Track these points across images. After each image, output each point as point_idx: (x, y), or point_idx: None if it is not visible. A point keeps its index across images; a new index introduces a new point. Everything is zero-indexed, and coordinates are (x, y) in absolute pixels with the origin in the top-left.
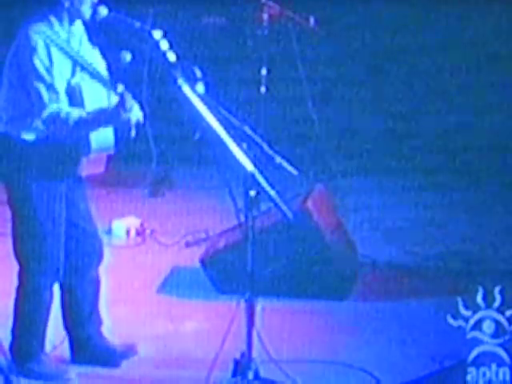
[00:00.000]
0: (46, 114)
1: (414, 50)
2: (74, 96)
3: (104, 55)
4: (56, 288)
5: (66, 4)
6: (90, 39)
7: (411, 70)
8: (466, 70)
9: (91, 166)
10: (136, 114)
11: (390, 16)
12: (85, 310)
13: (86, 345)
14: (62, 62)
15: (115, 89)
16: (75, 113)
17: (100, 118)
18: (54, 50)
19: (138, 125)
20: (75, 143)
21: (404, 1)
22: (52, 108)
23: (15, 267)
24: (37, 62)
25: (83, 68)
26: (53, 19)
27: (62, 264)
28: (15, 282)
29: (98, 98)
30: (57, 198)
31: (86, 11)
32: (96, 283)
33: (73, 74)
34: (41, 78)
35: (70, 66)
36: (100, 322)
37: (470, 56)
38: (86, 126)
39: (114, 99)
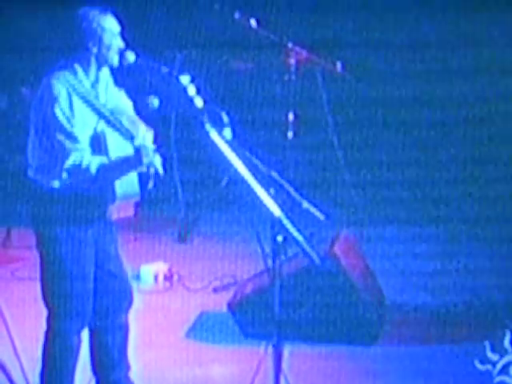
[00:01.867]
0: (68, 163)
1: (443, 95)
2: (98, 144)
3: (132, 100)
4: (85, 332)
5: (94, 50)
6: (117, 84)
7: (442, 116)
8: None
9: (120, 211)
10: (156, 164)
11: (416, 61)
12: (113, 355)
13: None
14: (85, 110)
15: (132, 139)
16: (97, 161)
17: (122, 166)
18: (76, 99)
19: (159, 178)
20: (101, 192)
21: (429, 47)
22: (74, 157)
23: (44, 311)
24: (58, 112)
25: (107, 116)
26: (77, 67)
27: (90, 309)
28: (44, 327)
29: (122, 145)
30: (85, 243)
31: (114, 57)
32: (125, 328)
33: (98, 122)
34: (62, 128)
35: (93, 114)
36: (128, 367)
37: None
38: (108, 175)
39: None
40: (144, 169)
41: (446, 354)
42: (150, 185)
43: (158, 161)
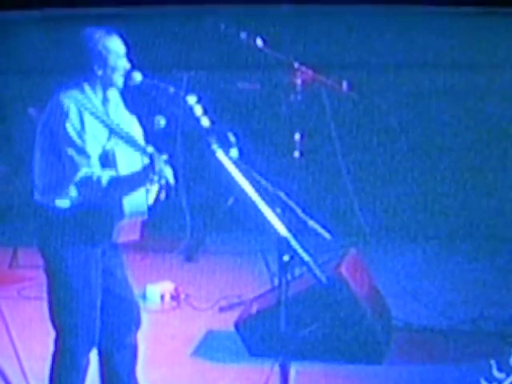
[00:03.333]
0: (78, 177)
1: (448, 114)
2: (108, 160)
3: (139, 120)
4: (93, 354)
5: (99, 72)
6: (126, 104)
7: (448, 137)
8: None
9: (126, 233)
10: (167, 175)
11: (421, 81)
12: (122, 375)
13: None
14: (95, 126)
15: (145, 150)
16: (106, 175)
17: (131, 180)
18: (86, 115)
19: (170, 189)
20: (109, 209)
21: (433, 67)
22: (84, 172)
23: (51, 331)
24: (68, 127)
25: (117, 133)
26: (85, 85)
27: (98, 330)
28: (51, 348)
29: (131, 162)
30: (92, 265)
31: (119, 79)
32: (134, 348)
33: (107, 138)
34: (72, 143)
35: (103, 130)
36: None
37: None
38: (117, 189)
39: (147, 162)
40: (156, 178)
41: (452, 372)
42: (162, 196)
43: (168, 172)
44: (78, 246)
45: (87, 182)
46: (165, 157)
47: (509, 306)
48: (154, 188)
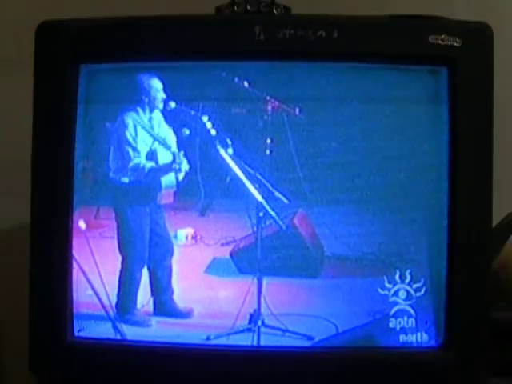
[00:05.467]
0: (131, 164)
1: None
2: (151, 155)
3: (173, 130)
4: (144, 270)
5: (146, 100)
6: (166, 121)
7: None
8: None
9: (164, 198)
10: (184, 165)
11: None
12: (163, 284)
13: (164, 305)
14: (144, 135)
15: (172, 149)
16: (149, 164)
17: (164, 167)
18: (138, 128)
19: (191, 171)
20: (152, 184)
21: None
22: (134, 161)
23: (119, 257)
24: (127, 134)
25: (158, 139)
26: (139, 109)
27: (147, 256)
28: (119, 267)
29: (165, 157)
30: (143, 217)
31: (159, 105)
32: (169, 268)
33: (152, 142)
34: (129, 144)
35: (149, 137)
36: (172, 291)
37: None
38: (156, 172)
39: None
40: (177, 166)
41: (361, 283)
42: (181, 176)
43: (185, 162)
44: (135, 206)
45: (136, 168)
46: (182, 154)
47: (395, 246)
48: (182, 169)
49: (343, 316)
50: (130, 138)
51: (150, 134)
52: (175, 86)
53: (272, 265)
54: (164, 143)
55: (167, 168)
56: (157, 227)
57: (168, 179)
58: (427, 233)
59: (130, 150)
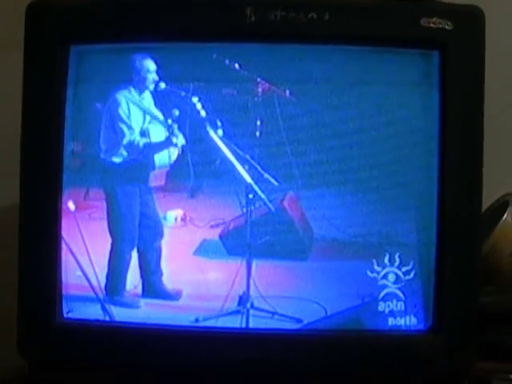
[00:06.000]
0: (125, 141)
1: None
2: (144, 132)
3: (163, 111)
4: (134, 252)
5: (137, 80)
6: (155, 102)
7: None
8: None
9: (156, 179)
10: (181, 141)
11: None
12: (152, 266)
13: (152, 286)
14: (137, 113)
15: (167, 127)
16: (143, 141)
17: (158, 143)
18: (131, 105)
19: (182, 152)
20: (145, 163)
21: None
22: (128, 138)
23: (109, 239)
24: (121, 112)
25: (151, 118)
26: (131, 88)
27: (137, 238)
28: (109, 248)
29: (159, 134)
30: (133, 198)
31: (150, 86)
32: (159, 250)
33: (143, 119)
34: (123, 121)
35: (142, 115)
36: (161, 273)
37: None
38: (150, 149)
39: (168, 134)
40: (174, 142)
41: (350, 266)
42: (176, 153)
43: (182, 139)
44: (125, 186)
45: (131, 145)
46: (178, 132)
47: (384, 228)
48: (173, 150)
49: (332, 299)
50: (124, 116)
51: (143, 112)
52: (167, 67)
53: (261, 247)
54: (156, 122)
55: (161, 145)
56: (147, 209)
57: (162, 157)
58: (417, 215)
59: (125, 127)
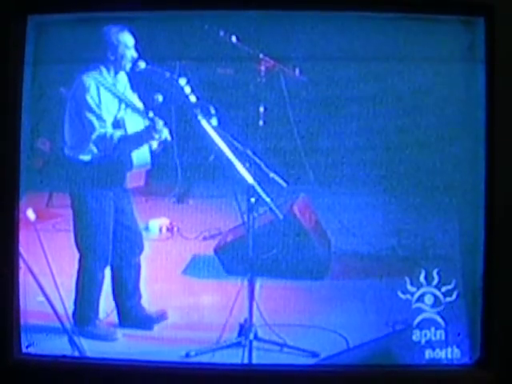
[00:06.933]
0: (95, 136)
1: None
2: (118, 123)
3: (142, 97)
4: (107, 270)
5: (112, 58)
6: (132, 84)
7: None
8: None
9: (134, 180)
10: (165, 133)
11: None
12: (129, 287)
13: (130, 313)
14: (109, 98)
15: (147, 115)
16: (117, 134)
17: (136, 137)
18: (102, 90)
19: (166, 146)
20: (120, 161)
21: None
22: (99, 131)
23: (76, 254)
24: (89, 99)
25: (125, 104)
26: (102, 69)
27: (111, 253)
28: (76, 266)
29: (136, 124)
30: (106, 204)
31: (127, 65)
32: (138, 267)
33: (118, 107)
34: (92, 111)
35: (115, 101)
36: (140, 296)
37: None
38: (126, 144)
39: (148, 124)
40: (157, 136)
41: (377, 286)
42: (159, 148)
43: (166, 131)
44: (96, 190)
45: (102, 139)
46: (162, 122)
47: (419, 238)
48: (155, 145)
49: (355, 327)
50: (93, 104)
51: (117, 98)
52: (148, 42)
53: (266, 263)
54: (133, 110)
55: (140, 138)
56: (123, 216)
57: (141, 154)
58: (460, 222)
59: (94, 118)
